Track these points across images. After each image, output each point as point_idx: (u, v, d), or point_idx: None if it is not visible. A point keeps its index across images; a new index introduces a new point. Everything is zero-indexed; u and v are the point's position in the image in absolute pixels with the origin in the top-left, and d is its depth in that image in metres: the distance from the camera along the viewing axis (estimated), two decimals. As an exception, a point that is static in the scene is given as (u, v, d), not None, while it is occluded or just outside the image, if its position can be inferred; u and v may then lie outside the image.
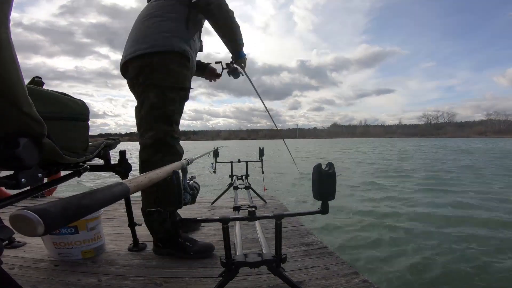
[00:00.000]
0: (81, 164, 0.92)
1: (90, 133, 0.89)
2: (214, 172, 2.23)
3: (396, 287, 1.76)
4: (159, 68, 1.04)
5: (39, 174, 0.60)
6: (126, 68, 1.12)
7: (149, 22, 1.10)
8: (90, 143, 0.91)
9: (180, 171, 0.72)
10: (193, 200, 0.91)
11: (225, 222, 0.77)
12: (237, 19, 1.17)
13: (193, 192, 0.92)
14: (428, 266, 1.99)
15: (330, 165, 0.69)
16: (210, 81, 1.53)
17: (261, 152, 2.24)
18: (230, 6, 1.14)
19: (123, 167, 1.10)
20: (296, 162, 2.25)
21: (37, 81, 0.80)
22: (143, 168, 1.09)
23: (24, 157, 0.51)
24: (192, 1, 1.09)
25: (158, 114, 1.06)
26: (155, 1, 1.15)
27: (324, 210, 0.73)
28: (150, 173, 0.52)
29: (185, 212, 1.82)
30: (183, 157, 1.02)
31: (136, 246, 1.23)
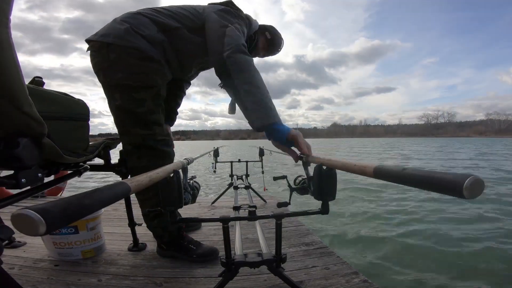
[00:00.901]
0: (81, 164, 0.92)
1: (90, 133, 0.89)
2: (214, 172, 2.23)
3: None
4: (118, 65, 0.91)
5: (39, 174, 0.60)
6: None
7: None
8: (90, 143, 0.91)
9: (180, 170, 0.72)
10: (193, 200, 0.91)
11: (225, 222, 0.77)
12: None
13: (193, 191, 0.92)
14: None
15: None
16: None
17: (261, 152, 2.24)
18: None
19: (123, 167, 1.10)
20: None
21: (37, 81, 0.80)
22: (133, 174, 1.02)
23: (23, 157, 0.51)
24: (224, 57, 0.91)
25: (129, 118, 0.97)
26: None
27: (324, 210, 0.73)
28: (151, 172, 0.51)
29: (185, 212, 1.82)
30: (183, 157, 1.02)
31: (136, 246, 1.23)
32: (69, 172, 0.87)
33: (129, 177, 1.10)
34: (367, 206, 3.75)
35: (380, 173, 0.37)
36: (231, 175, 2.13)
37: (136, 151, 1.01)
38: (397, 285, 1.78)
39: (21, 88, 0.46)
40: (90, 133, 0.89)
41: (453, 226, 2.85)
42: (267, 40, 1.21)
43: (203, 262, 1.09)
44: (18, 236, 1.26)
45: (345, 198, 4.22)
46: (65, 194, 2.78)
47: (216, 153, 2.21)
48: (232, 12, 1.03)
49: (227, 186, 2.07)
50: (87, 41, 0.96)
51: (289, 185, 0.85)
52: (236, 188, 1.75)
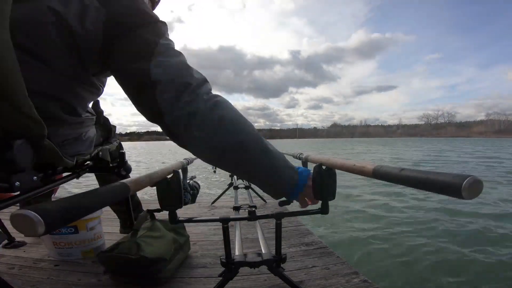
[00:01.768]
0: (79, 165, 0.92)
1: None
2: (214, 171, 2.24)
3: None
4: None
5: (35, 177, 0.59)
6: None
7: None
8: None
9: (180, 170, 0.72)
10: (193, 200, 0.91)
11: (225, 222, 0.77)
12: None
13: (193, 191, 0.92)
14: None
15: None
16: None
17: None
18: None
19: (123, 168, 1.09)
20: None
21: None
22: None
23: (17, 160, 0.50)
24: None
25: None
26: None
27: (324, 210, 0.73)
28: (150, 172, 0.51)
29: (185, 211, 1.82)
30: (183, 157, 1.02)
31: (136, 246, 1.23)
32: (67, 174, 0.87)
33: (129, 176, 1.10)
34: (367, 206, 3.75)
35: (379, 173, 0.37)
36: (231, 175, 2.13)
37: None
38: (397, 285, 1.78)
39: (20, 89, 0.46)
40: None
41: (454, 226, 2.85)
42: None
43: (201, 259, 1.09)
44: (18, 236, 1.26)
45: (345, 197, 4.22)
46: (62, 194, 2.78)
47: None
48: None
49: (227, 186, 2.07)
50: None
51: (289, 200, 0.84)
52: (236, 188, 1.75)
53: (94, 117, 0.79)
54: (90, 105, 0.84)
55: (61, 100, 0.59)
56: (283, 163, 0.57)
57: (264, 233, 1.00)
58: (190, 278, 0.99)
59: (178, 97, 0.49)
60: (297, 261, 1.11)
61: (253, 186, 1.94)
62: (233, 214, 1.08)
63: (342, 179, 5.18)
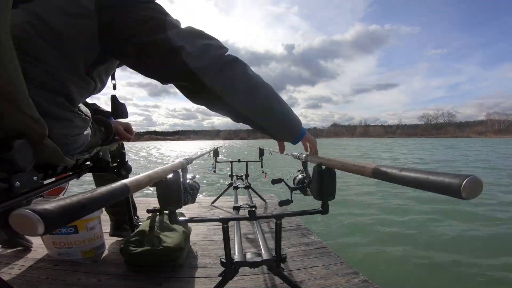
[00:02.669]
0: (79, 165, 0.92)
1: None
2: (214, 171, 2.24)
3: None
4: None
5: (35, 177, 0.59)
6: None
7: None
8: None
9: (180, 170, 0.72)
10: (193, 200, 0.91)
11: (225, 222, 0.77)
12: None
13: (193, 191, 0.92)
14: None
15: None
16: None
17: (261, 152, 2.24)
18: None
19: (123, 168, 1.10)
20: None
21: None
22: None
23: (17, 160, 0.49)
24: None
25: None
26: None
27: (324, 210, 0.73)
28: (150, 172, 0.51)
29: (185, 211, 1.82)
30: (183, 157, 1.02)
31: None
32: (68, 174, 0.87)
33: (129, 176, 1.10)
34: (367, 206, 3.75)
35: (378, 173, 0.37)
36: (231, 175, 2.14)
37: None
38: (397, 285, 1.78)
39: (21, 89, 0.46)
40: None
41: (455, 226, 2.85)
42: None
43: (200, 259, 1.09)
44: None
45: (345, 197, 4.22)
46: (67, 194, 2.78)
47: (216, 153, 2.21)
48: None
49: (227, 186, 2.07)
50: None
51: (288, 186, 0.85)
52: (236, 188, 1.75)
53: (89, 118, 0.79)
54: (83, 102, 0.82)
55: (53, 93, 0.59)
56: (293, 112, 0.71)
57: (264, 233, 1.00)
58: (190, 278, 0.99)
59: (204, 56, 0.56)
60: (297, 261, 1.11)
61: (253, 186, 1.94)
62: (233, 214, 1.08)
63: (342, 179, 5.19)
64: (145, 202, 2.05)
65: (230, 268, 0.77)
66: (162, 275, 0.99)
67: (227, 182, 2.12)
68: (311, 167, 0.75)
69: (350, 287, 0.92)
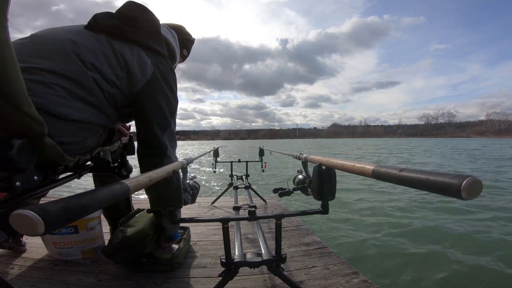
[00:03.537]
0: (80, 165, 0.92)
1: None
2: (214, 172, 2.24)
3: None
4: None
5: (35, 177, 0.59)
6: None
7: None
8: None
9: (180, 170, 0.72)
10: (193, 200, 0.91)
11: (225, 222, 0.77)
12: None
13: (193, 191, 0.92)
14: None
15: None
16: None
17: (261, 152, 2.24)
18: None
19: (123, 168, 1.10)
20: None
21: None
22: None
23: (17, 159, 0.49)
24: None
25: None
26: None
27: (324, 210, 0.73)
28: (150, 172, 0.51)
29: (185, 212, 1.82)
30: (183, 157, 1.02)
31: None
32: (68, 173, 0.87)
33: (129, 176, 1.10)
34: (367, 206, 3.75)
35: (378, 174, 0.37)
36: (231, 175, 2.14)
37: None
38: (397, 285, 1.78)
39: (20, 88, 0.46)
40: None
41: (456, 226, 2.84)
42: (184, 57, 1.16)
43: (200, 259, 1.09)
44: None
45: (345, 197, 4.22)
46: (62, 194, 2.78)
47: (216, 153, 2.21)
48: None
49: (227, 186, 2.07)
50: None
51: (289, 190, 0.85)
52: (236, 188, 1.75)
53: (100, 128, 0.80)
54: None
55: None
56: None
57: (264, 233, 1.00)
58: (190, 278, 0.99)
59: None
60: (297, 261, 1.11)
61: (253, 186, 1.94)
62: (233, 214, 1.08)
63: (342, 179, 5.19)
64: (145, 202, 2.05)
65: (230, 268, 0.77)
66: (162, 275, 0.99)
67: (227, 182, 2.12)
68: (311, 167, 0.75)
69: (350, 287, 0.92)
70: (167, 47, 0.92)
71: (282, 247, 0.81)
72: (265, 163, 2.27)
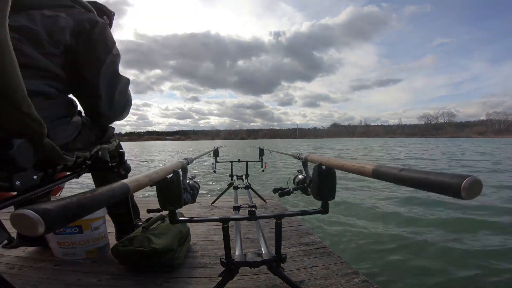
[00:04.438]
0: (78, 165, 0.92)
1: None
2: (214, 171, 2.24)
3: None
4: None
5: (35, 177, 0.59)
6: None
7: None
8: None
9: (180, 170, 0.72)
10: (193, 200, 0.91)
11: (225, 222, 0.77)
12: None
13: (193, 191, 0.92)
14: None
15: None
16: None
17: (261, 152, 2.24)
18: None
19: (122, 168, 1.09)
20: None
21: None
22: None
23: (18, 159, 0.50)
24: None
25: None
26: None
27: (324, 210, 0.73)
28: (150, 172, 0.51)
29: (185, 212, 1.82)
30: (183, 157, 1.02)
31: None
32: (67, 173, 0.87)
33: (128, 176, 1.10)
34: (367, 206, 3.75)
35: (378, 173, 0.37)
36: (231, 175, 2.14)
37: None
38: (397, 285, 1.78)
39: (20, 88, 0.46)
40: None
41: (456, 227, 2.84)
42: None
43: (200, 259, 1.09)
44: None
45: (345, 197, 4.22)
46: (64, 194, 2.78)
47: (216, 153, 2.21)
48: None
49: (227, 186, 2.07)
50: None
51: (289, 190, 0.85)
52: (236, 188, 1.75)
53: (76, 108, 0.81)
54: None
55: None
56: None
57: (264, 233, 1.00)
58: (190, 278, 0.99)
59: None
60: (297, 261, 1.11)
61: (253, 186, 1.94)
62: (233, 214, 1.08)
63: (342, 179, 5.18)
64: (145, 202, 2.05)
65: (230, 268, 0.77)
66: (162, 275, 0.99)
67: (227, 182, 2.12)
68: (311, 167, 0.75)
69: (350, 287, 0.92)
70: None
71: (282, 247, 0.81)
72: (265, 163, 2.27)
